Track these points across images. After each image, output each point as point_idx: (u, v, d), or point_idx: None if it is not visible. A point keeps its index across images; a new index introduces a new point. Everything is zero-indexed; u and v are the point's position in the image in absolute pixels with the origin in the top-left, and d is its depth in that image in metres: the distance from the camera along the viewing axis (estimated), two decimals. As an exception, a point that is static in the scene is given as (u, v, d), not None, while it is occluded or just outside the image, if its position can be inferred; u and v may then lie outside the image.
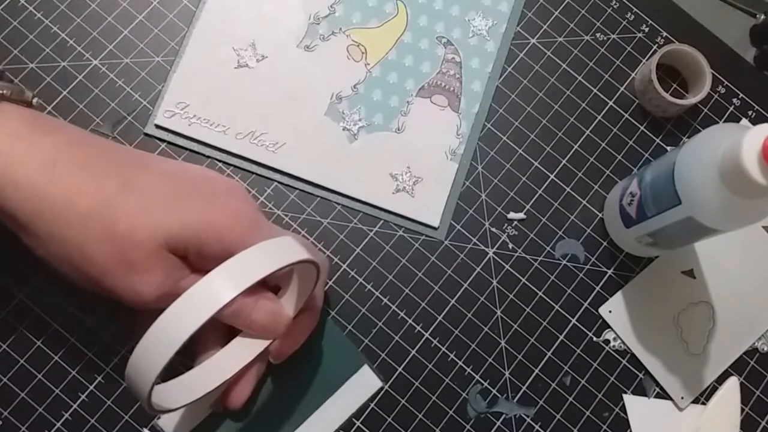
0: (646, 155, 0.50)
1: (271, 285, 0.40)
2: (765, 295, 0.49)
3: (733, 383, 0.47)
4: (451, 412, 0.45)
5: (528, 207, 0.49)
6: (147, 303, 0.36)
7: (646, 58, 0.52)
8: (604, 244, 0.49)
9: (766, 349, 0.48)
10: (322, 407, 0.44)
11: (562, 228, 0.49)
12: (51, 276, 0.37)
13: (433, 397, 0.45)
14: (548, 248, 0.48)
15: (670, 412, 0.46)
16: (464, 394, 0.46)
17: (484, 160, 0.49)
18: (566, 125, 0.50)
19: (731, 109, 0.51)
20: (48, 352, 0.44)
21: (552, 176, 0.49)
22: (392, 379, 0.45)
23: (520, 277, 0.48)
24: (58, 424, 0.43)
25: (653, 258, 0.48)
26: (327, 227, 0.47)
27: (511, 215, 0.48)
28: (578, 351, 0.47)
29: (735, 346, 0.48)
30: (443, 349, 0.46)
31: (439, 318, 0.47)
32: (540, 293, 0.47)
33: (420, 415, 0.45)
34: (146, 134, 0.47)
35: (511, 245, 0.48)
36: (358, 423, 0.44)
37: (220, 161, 0.47)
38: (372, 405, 0.45)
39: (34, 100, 0.46)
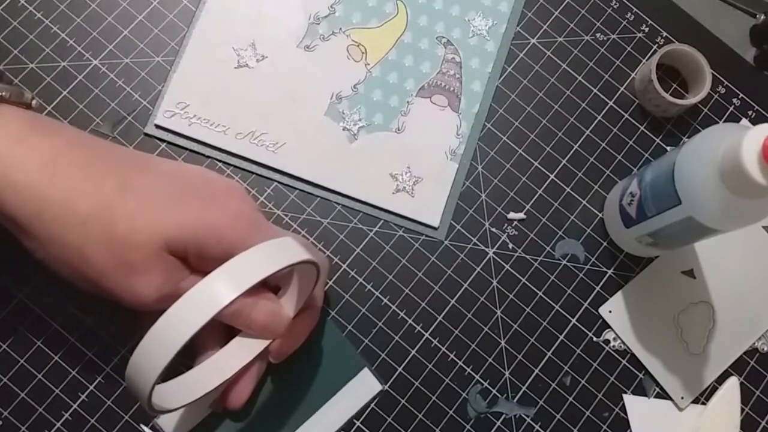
0: (646, 155, 0.50)
1: (271, 285, 0.40)
2: (765, 295, 0.49)
3: (733, 383, 0.47)
4: (451, 412, 0.45)
5: (528, 207, 0.49)
6: (147, 304, 0.36)
7: (646, 58, 0.52)
8: (604, 244, 0.49)
9: (766, 349, 0.48)
10: (321, 409, 0.44)
11: (562, 228, 0.49)
12: (51, 276, 0.37)
13: (433, 397, 0.45)
14: (548, 248, 0.48)
15: (670, 412, 0.46)
16: (464, 394, 0.46)
17: (484, 160, 0.49)
18: (566, 125, 0.50)
19: (731, 109, 0.51)
20: (48, 352, 0.44)
21: (552, 176, 0.49)
22: (392, 379, 0.45)
23: (520, 277, 0.48)
24: (58, 424, 0.43)
25: (653, 258, 0.48)
26: (327, 227, 0.47)
27: (511, 215, 0.48)
28: (578, 351, 0.47)
29: (735, 346, 0.48)
30: (443, 349, 0.46)
31: (439, 318, 0.47)
32: (540, 293, 0.47)
33: (420, 415, 0.45)
34: (146, 134, 0.47)
35: (511, 245, 0.48)
36: (358, 423, 0.45)
37: (220, 161, 0.47)
38: (372, 405, 0.45)
39: (34, 102, 0.46)
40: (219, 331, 0.41)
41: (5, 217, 0.35)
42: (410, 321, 0.46)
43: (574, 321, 0.47)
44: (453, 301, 0.47)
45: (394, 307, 0.46)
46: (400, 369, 0.46)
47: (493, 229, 0.48)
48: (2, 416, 0.43)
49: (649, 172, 0.42)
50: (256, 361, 0.40)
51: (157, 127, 0.47)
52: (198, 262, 0.37)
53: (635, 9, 0.52)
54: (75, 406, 0.43)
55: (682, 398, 0.46)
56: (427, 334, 0.46)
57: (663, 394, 0.47)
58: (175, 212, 0.36)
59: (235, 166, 0.47)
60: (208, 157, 0.47)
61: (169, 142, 0.47)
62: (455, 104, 0.50)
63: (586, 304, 0.48)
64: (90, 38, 0.48)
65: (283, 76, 0.49)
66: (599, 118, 0.50)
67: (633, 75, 0.51)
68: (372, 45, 0.50)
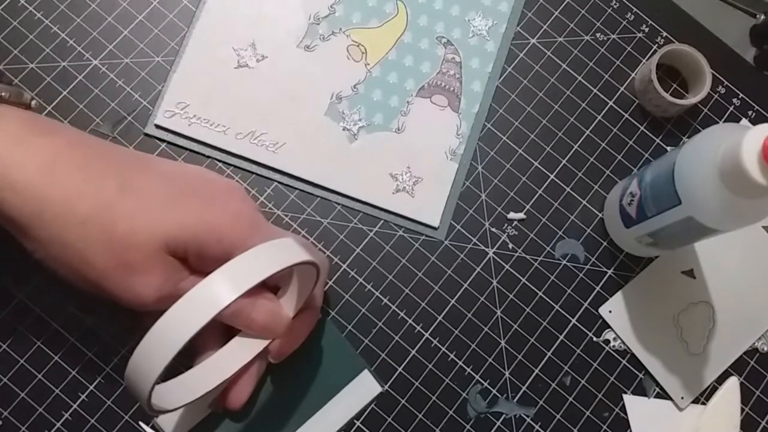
0: (646, 155, 0.50)
1: (270, 285, 0.40)
2: (765, 295, 0.49)
3: (733, 383, 0.47)
4: (451, 412, 0.45)
5: (528, 207, 0.49)
6: (146, 305, 0.36)
7: (646, 58, 0.52)
8: (604, 244, 0.49)
9: (766, 349, 0.48)
10: (320, 411, 0.44)
11: (562, 228, 0.49)
12: (51, 276, 0.37)
13: (433, 397, 0.45)
14: (548, 248, 0.48)
15: (670, 412, 0.46)
16: (464, 394, 0.46)
17: (484, 160, 0.49)
18: (566, 125, 0.50)
19: (731, 109, 0.51)
20: (48, 352, 0.44)
21: (552, 176, 0.49)
22: (392, 379, 0.45)
23: (520, 277, 0.48)
24: (58, 424, 0.43)
25: (653, 258, 0.48)
26: (327, 227, 0.47)
27: (511, 215, 0.48)
28: (578, 351, 0.47)
29: (735, 346, 0.48)
30: (443, 349, 0.46)
31: (439, 318, 0.47)
32: (540, 293, 0.47)
33: (420, 415, 0.45)
34: (146, 134, 0.47)
35: (511, 245, 0.48)
36: (358, 423, 0.45)
37: (220, 161, 0.47)
38: (372, 405, 0.45)
39: (33, 102, 0.46)
40: (218, 331, 0.41)
41: (5, 218, 0.35)
42: (410, 321, 0.46)
43: (574, 321, 0.47)
44: (453, 301, 0.47)
45: (394, 307, 0.46)
46: (400, 369, 0.46)
47: (493, 229, 0.48)
48: (2, 416, 0.43)
49: (649, 172, 0.42)
50: (256, 361, 0.40)
51: (157, 127, 0.47)
52: (198, 262, 0.37)
53: (635, 9, 0.52)
54: (75, 406, 0.43)
55: (682, 398, 0.46)
56: (427, 334, 0.46)
57: (663, 394, 0.47)
58: (175, 212, 0.36)
59: (235, 166, 0.47)
60: (208, 157, 0.47)
61: (169, 142, 0.47)
62: (455, 104, 0.50)
63: (586, 304, 0.48)
64: (90, 38, 0.48)
65: (283, 76, 0.49)
66: (599, 118, 0.50)
67: (633, 75, 0.51)
68: (372, 45, 0.50)
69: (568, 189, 0.49)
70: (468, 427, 0.45)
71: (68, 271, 0.36)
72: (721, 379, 0.47)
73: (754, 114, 0.51)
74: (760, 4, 0.55)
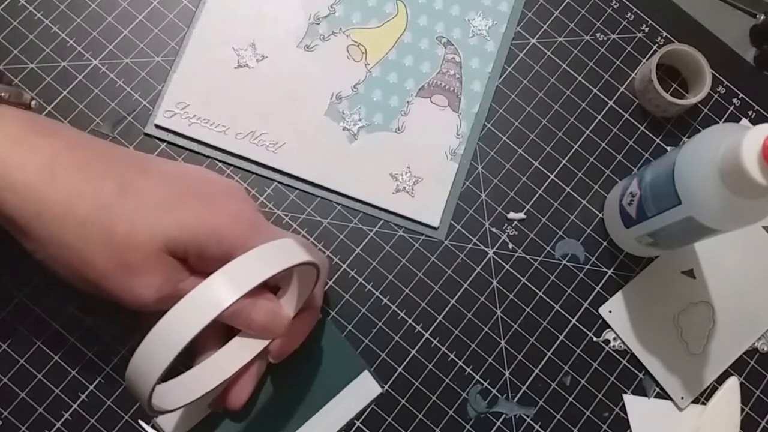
0: (646, 155, 0.50)
1: (270, 285, 0.40)
2: (765, 295, 0.49)
3: (733, 383, 0.47)
4: (451, 412, 0.45)
5: (528, 207, 0.49)
6: (147, 306, 0.36)
7: (646, 58, 0.52)
8: (604, 244, 0.49)
9: (766, 349, 0.48)
10: (320, 411, 0.44)
11: (562, 228, 0.49)
12: (51, 276, 0.37)
13: (433, 397, 0.45)
14: (548, 248, 0.48)
15: (670, 412, 0.46)
16: (464, 394, 0.46)
17: (484, 160, 0.49)
18: (566, 125, 0.50)
19: (731, 109, 0.51)
20: (48, 352, 0.44)
21: (552, 176, 0.49)
22: (392, 379, 0.45)
23: (520, 277, 0.48)
24: (58, 424, 0.43)
25: (653, 258, 0.48)
26: (327, 227, 0.47)
27: (511, 215, 0.48)
28: (578, 351, 0.47)
29: (735, 346, 0.48)
30: (443, 349, 0.46)
31: (439, 318, 0.47)
32: (540, 293, 0.47)
33: (420, 415, 0.45)
34: (146, 134, 0.47)
35: (511, 245, 0.48)
36: (358, 423, 0.45)
37: (220, 161, 0.47)
38: (372, 405, 0.45)
39: (33, 102, 0.46)
40: (218, 331, 0.41)
41: (4, 218, 0.35)
42: (410, 321, 0.46)
43: (574, 321, 0.47)
44: (453, 301, 0.47)
45: (394, 307, 0.46)
46: (400, 369, 0.46)
47: (493, 229, 0.48)
48: (2, 416, 0.43)
49: (649, 172, 0.42)
50: (256, 361, 0.40)
51: (157, 127, 0.47)
52: (198, 262, 0.37)
53: (635, 9, 0.52)
54: (75, 406, 0.43)
55: (682, 398, 0.46)
56: (427, 334, 0.46)
57: (663, 394, 0.47)
58: (174, 213, 0.36)
59: (235, 166, 0.47)
60: (208, 157, 0.47)
61: (169, 142, 0.47)
62: (455, 104, 0.50)
63: (586, 304, 0.48)
64: (90, 38, 0.48)
65: (283, 76, 0.49)
66: (599, 118, 0.50)
67: (633, 75, 0.51)
68: (372, 45, 0.50)
69: (568, 189, 0.49)
70: (468, 427, 0.45)
71: (68, 271, 0.36)
72: (721, 379, 0.47)
73: (754, 114, 0.51)
74: (760, 4, 0.55)
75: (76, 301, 0.44)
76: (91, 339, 0.44)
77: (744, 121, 0.51)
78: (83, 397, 0.43)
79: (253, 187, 0.47)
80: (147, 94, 0.48)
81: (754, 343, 0.48)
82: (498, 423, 0.45)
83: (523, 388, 0.46)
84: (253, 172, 0.47)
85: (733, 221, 0.38)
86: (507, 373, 0.46)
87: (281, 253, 0.34)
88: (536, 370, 0.46)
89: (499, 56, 0.51)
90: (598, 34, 0.52)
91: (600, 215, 0.49)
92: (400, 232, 0.48)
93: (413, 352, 0.46)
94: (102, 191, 0.36)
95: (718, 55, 0.51)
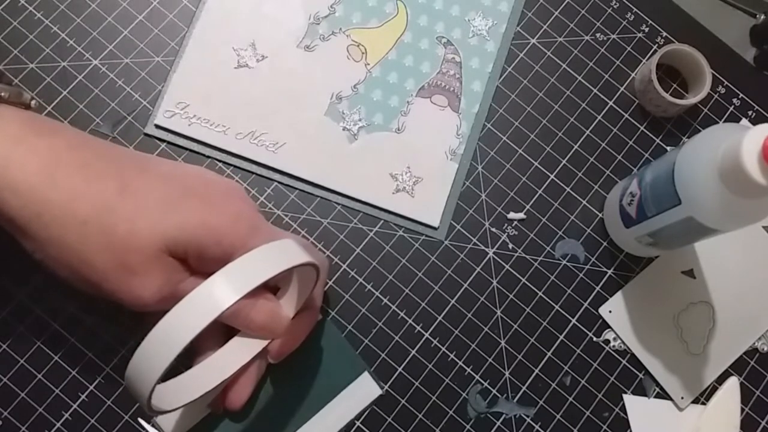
0: (646, 155, 0.50)
1: (270, 285, 0.40)
2: (765, 295, 0.49)
3: (733, 383, 0.47)
4: (451, 412, 0.45)
5: (528, 207, 0.49)
6: (147, 306, 0.36)
7: (646, 58, 0.52)
8: (604, 244, 0.49)
9: (766, 349, 0.48)
10: (320, 412, 0.44)
11: (562, 228, 0.49)
12: (51, 276, 0.37)
13: (433, 397, 0.45)
14: (548, 248, 0.48)
15: (670, 412, 0.46)
16: (464, 394, 0.46)
17: (484, 160, 0.49)
18: (566, 125, 0.50)
19: (731, 109, 0.51)
20: (48, 352, 0.44)
21: (552, 176, 0.49)
22: (392, 379, 0.45)
23: (520, 277, 0.48)
24: (58, 424, 0.43)
25: (653, 258, 0.48)
26: (327, 227, 0.47)
27: (511, 215, 0.48)
28: (578, 351, 0.47)
29: (735, 346, 0.48)
30: (443, 349, 0.46)
31: (439, 318, 0.47)
32: (540, 293, 0.47)
33: (420, 415, 0.45)
34: (146, 134, 0.47)
35: (511, 245, 0.48)
36: (358, 423, 0.45)
37: (220, 161, 0.47)
38: (372, 405, 0.45)
39: (33, 102, 0.46)
40: (218, 331, 0.41)
41: (4, 219, 0.35)
42: (410, 321, 0.46)
43: (574, 321, 0.47)
44: (453, 301, 0.47)
45: (394, 307, 0.46)
46: (400, 369, 0.46)
47: (493, 229, 0.48)
48: (2, 416, 0.43)
49: (649, 172, 0.42)
50: (256, 361, 0.40)
51: (157, 127, 0.47)
52: (198, 263, 0.37)
53: (635, 9, 0.52)
54: (75, 406, 0.43)
55: (682, 398, 0.46)
56: (427, 334, 0.46)
57: (663, 394, 0.47)
58: (174, 214, 0.36)
59: (235, 166, 0.47)
60: (208, 157, 0.47)
61: (169, 142, 0.47)
62: (455, 104, 0.50)
63: (586, 304, 0.48)
64: (90, 38, 0.48)
65: (283, 76, 0.49)
66: (599, 118, 0.50)
67: (633, 75, 0.51)
68: (372, 45, 0.50)
69: (568, 189, 0.49)
70: (468, 427, 0.45)
71: (68, 272, 0.36)
72: (721, 379, 0.47)
73: (754, 114, 0.51)
74: (760, 4, 0.55)
75: (76, 301, 0.44)
76: (91, 339, 0.44)
77: (744, 121, 0.51)
78: (83, 397, 0.43)
79: (253, 187, 0.47)
80: (147, 94, 0.48)
81: (754, 343, 0.48)
82: (498, 423, 0.45)
83: (523, 388, 0.46)
84: (253, 172, 0.47)
85: (733, 221, 0.38)
86: (507, 373, 0.46)
87: (281, 253, 0.34)
88: (536, 370, 0.46)
89: (499, 56, 0.51)
90: (598, 34, 0.52)
91: (600, 215, 0.49)
92: (400, 232, 0.48)
93: (413, 352, 0.46)
94: (102, 192, 0.36)
95: (718, 55, 0.51)
